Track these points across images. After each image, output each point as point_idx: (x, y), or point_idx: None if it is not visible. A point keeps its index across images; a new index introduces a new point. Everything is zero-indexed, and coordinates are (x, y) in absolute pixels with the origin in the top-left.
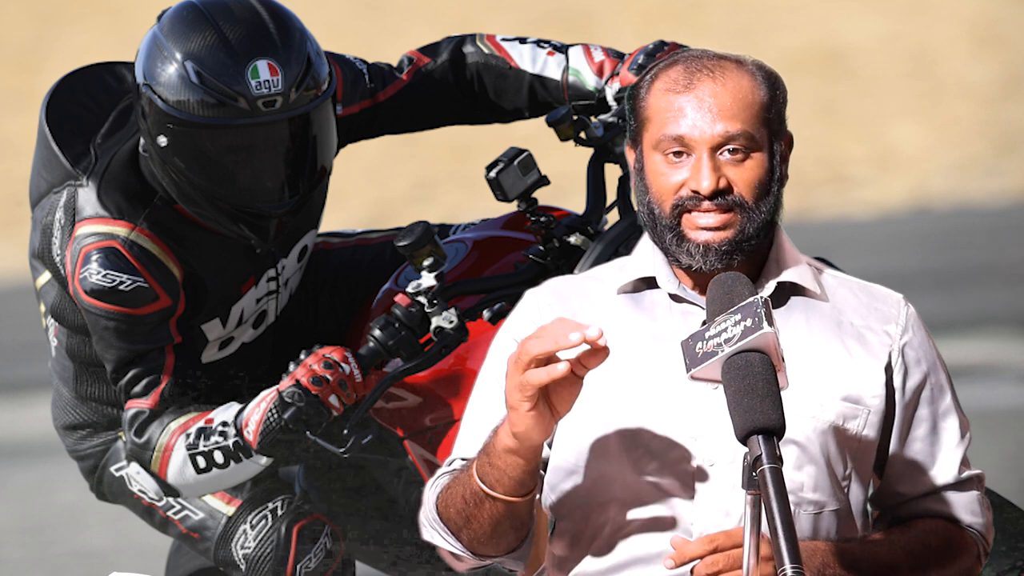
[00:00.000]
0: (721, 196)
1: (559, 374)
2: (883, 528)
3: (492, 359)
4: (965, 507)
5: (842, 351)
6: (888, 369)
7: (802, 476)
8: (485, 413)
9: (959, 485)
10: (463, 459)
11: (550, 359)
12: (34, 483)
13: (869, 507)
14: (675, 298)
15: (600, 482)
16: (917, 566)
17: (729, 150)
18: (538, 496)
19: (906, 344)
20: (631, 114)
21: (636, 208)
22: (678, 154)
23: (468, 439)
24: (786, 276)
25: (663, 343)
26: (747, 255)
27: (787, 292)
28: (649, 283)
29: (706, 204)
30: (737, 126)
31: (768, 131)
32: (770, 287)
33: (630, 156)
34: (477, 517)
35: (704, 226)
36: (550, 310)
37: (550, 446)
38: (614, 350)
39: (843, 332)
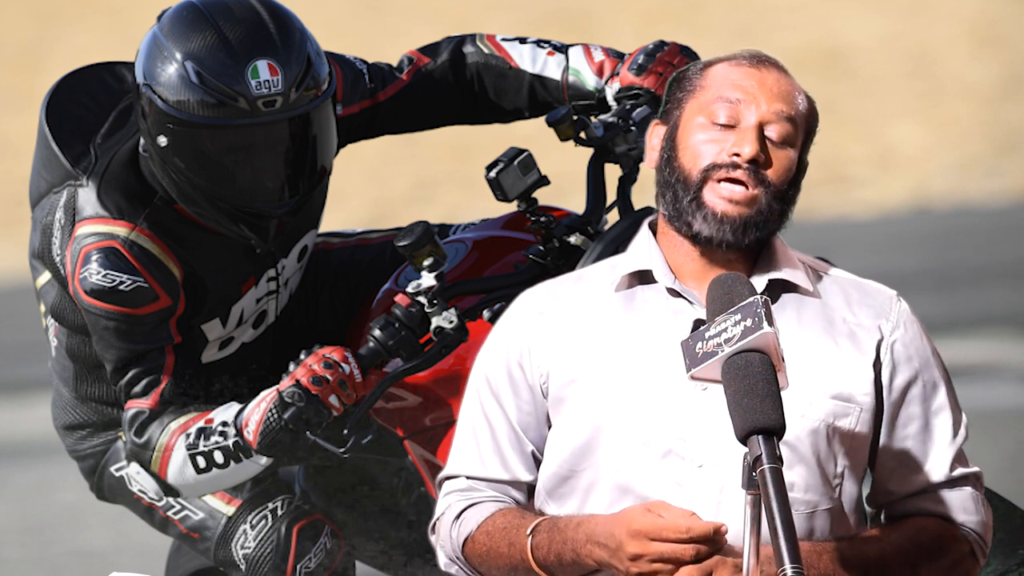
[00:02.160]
0: (755, 169)
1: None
2: (877, 526)
3: (486, 366)
4: (958, 505)
5: (833, 348)
6: (877, 366)
7: (793, 476)
8: (486, 427)
9: (952, 483)
10: (470, 477)
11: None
12: (34, 483)
13: (866, 506)
14: (672, 292)
15: (591, 485)
16: (907, 564)
17: (772, 133)
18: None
19: (896, 340)
20: (674, 89)
21: (656, 181)
22: (724, 127)
23: (472, 455)
24: (778, 273)
25: (653, 344)
26: (758, 237)
27: (779, 289)
28: (643, 278)
29: (739, 172)
30: (790, 111)
31: (804, 138)
32: (762, 284)
33: (657, 132)
34: None
35: (727, 197)
36: (541, 316)
37: (543, 453)
38: (605, 351)
39: (834, 329)
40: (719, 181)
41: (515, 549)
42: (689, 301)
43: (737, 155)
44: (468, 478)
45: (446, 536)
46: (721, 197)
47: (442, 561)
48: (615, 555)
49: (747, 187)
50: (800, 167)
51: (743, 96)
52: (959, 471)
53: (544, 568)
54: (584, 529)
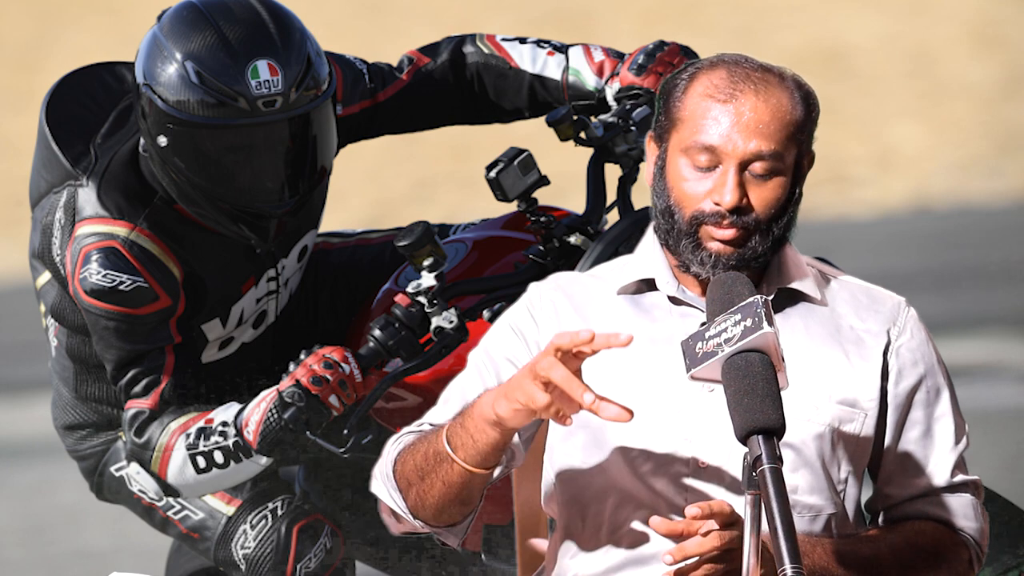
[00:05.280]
0: (740, 214)
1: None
2: (874, 527)
3: (485, 341)
4: (958, 511)
5: (840, 355)
6: (884, 371)
7: (797, 479)
8: (467, 388)
9: (952, 489)
10: (432, 424)
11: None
12: (34, 483)
13: (864, 511)
14: (674, 300)
15: (596, 483)
16: (902, 565)
17: (753, 171)
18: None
19: (902, 346)
20: (662, 108)
21: (651, 204)
22: (706, 169)
23: (442, 407)
24: (786, 282)
25: (661, 345)
26: (754, 270)
27: (787, 297)
28: (649, 284)
29: (725, 220)
30: (771, 146)
31: (797, 151)
32: (770, 294)
33: (651, 149)
34: (430, 476)
35: (719, 238)
36: (552, 306)
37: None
38: (612, 352)
39: (842, 336)
40: (709, 225)
41: (436, 433)
42: (697, 308)
43: (718, 204)
44: (431, 424)
45: (384, 453)
46: (714, 238)
47: (373, 484)
48: (511, 394)
49: (735, 229)
50: (798, 179)
51: (718, 142)
52: (960, 477)
53: (452, 447)
54: (477, 407)
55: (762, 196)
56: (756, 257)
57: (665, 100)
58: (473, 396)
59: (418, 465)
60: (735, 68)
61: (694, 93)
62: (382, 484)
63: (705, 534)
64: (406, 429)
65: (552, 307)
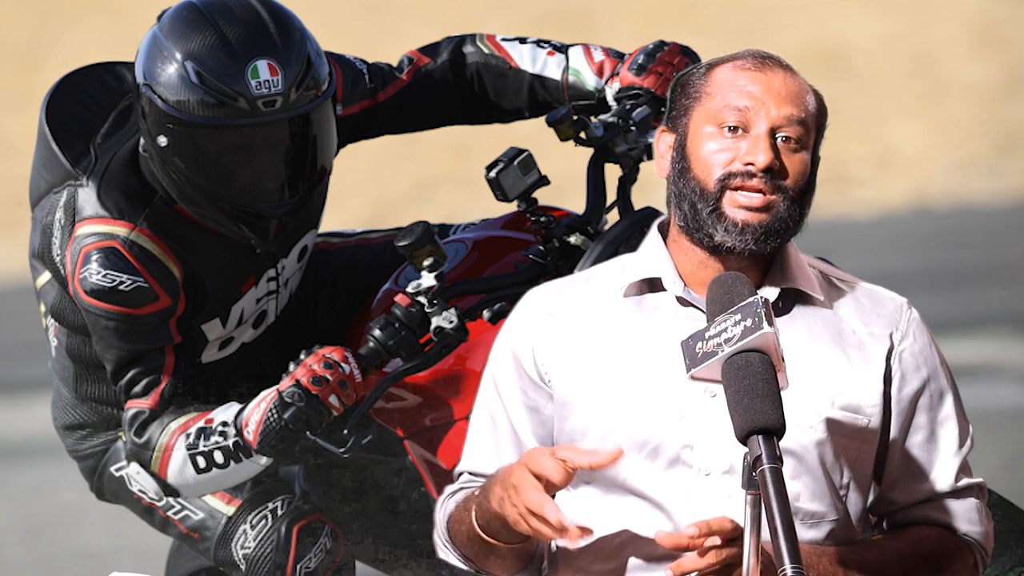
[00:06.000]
0: (771, 176)
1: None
2: (879, 533)
3: (493, 365)
4: (962, 515)
5: (842, 360)
6: (887, 376)
7: (799, 486)
8: (489, 425)
9: (957, 493)
10: (470, 472)
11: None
12: (34, 483)
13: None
14: (681, 301)
15: (602, 491)
16: (907, 571)
17: (783, 138)
18: None
19: (905, 350)
20: (679, 94)
21: (668, 193)
22: (733, 130)
23: (474, 451)
24: (790, 283)
25: (662, 350)
26: (778, 243)
27: (790, 299)
28: (653, 284)
29: (755, 181)
30: (800, 113)
31: (815, 136)
32: (774, 293)
33: (664, 140)
34: (484, 555)
35: (745, 205)
36: (549, 317)
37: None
38: (613, 356)
39: (844, 340)
40: (736, 190)
41: (469, 512)
42: (700, 309)
43: (751, 164)
44: (470, 473)
45: (437, 521)
46: (740, 206)
47: (439, 550)
48: (505, 486)
49: (764, 193)
50: (813, 166)
51: (751, 103)
52: (964, 481)
53: (483, 528)
54: (493, 506)
55: (792, 165)
56: (783, 228)
57: (683, 87)
58: (504, 431)
59: (466, 546)
60: (760, 54)
61: (721, 70)
62: (448, 552)
63: (705, 551)
64: (449, 489)
65: (548, 319)
